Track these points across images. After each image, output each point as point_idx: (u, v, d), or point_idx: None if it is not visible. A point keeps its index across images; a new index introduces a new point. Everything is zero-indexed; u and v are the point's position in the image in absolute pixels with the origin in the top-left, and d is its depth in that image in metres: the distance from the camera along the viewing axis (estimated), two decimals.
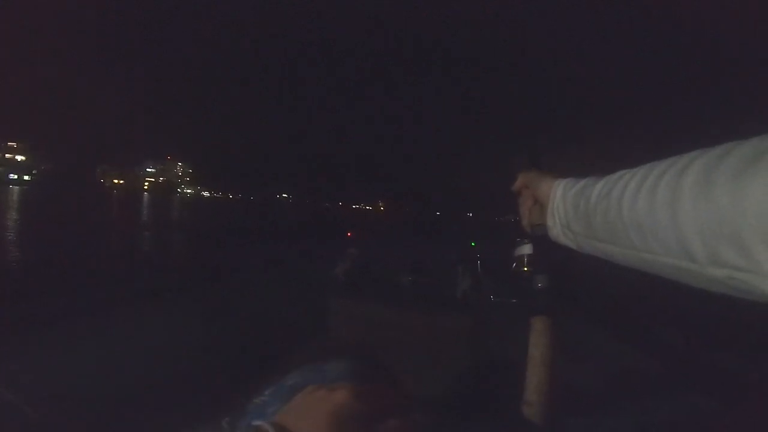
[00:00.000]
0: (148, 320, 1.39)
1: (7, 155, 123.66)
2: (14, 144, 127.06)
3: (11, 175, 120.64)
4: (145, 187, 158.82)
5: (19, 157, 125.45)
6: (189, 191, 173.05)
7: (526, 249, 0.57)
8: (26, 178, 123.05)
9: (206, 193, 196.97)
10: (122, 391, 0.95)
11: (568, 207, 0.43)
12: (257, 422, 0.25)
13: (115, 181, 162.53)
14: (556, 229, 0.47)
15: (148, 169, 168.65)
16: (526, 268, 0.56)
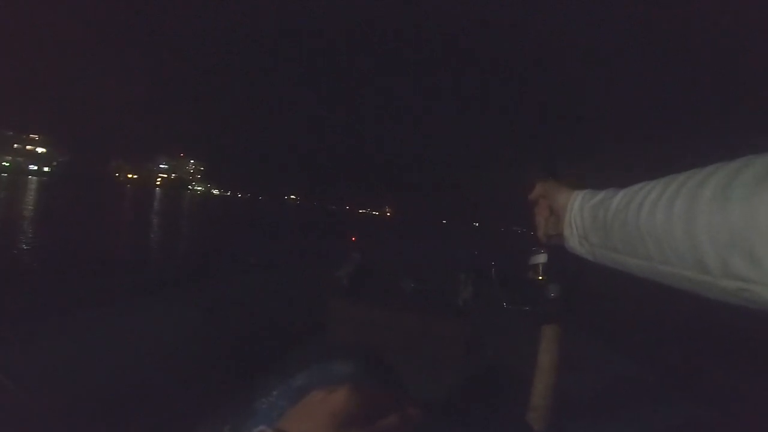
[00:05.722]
0: (142, 317, 1.39)
1: (27, 147, 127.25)
2: (36, 136, 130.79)
3: (31, 166, 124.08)
4: (158, 183, 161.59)
5: (39, 149, 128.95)
6: (199, 188, 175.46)
7: (541, 258, 0.57)
8: (45, 169, 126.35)
9: (216, 191, 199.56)
10: (117, 389, 0.93)
11: (586, 218, 0.44)
12: (260, 428, 0.25)
13: (129, 175, 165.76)
14: (573, 240, 0.47)
15: (160, 165, 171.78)
16: (540, 277, 0.57)
